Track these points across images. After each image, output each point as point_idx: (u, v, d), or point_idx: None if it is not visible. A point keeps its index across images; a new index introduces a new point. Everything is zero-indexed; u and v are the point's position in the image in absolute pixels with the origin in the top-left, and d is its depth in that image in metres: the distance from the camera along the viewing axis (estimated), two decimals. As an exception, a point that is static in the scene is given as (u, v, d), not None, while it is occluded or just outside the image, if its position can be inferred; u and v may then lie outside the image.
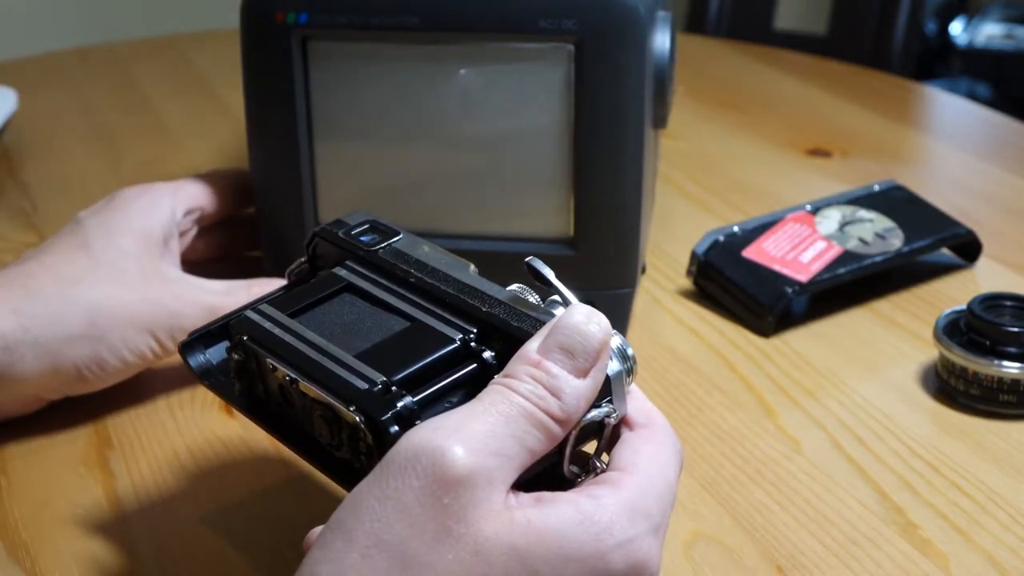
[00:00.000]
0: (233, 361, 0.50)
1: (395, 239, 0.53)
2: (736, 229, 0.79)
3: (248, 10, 0.67)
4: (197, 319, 0.61)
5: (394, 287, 0.50)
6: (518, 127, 0.67)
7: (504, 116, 0.67)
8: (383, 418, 0.43)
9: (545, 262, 0.68)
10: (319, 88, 0.67)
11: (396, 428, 0.43)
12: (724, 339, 0.74)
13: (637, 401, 0.46)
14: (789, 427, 0.65)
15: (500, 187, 0.68)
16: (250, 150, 0.70)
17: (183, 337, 0.54)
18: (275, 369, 0.48)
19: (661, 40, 0.69)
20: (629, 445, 0.44)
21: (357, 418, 0.43)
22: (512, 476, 0.41)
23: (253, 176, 0.71)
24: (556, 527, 0.40)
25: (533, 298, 0.47)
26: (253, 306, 0.51)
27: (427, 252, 0.52)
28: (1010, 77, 2.17)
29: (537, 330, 0.44)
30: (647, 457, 0.44)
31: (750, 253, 0.77)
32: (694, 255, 0.78)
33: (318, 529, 0.42)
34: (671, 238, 0.86)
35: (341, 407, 0.44)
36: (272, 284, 0.64)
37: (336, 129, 0.68)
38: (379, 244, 0.52)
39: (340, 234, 0.53)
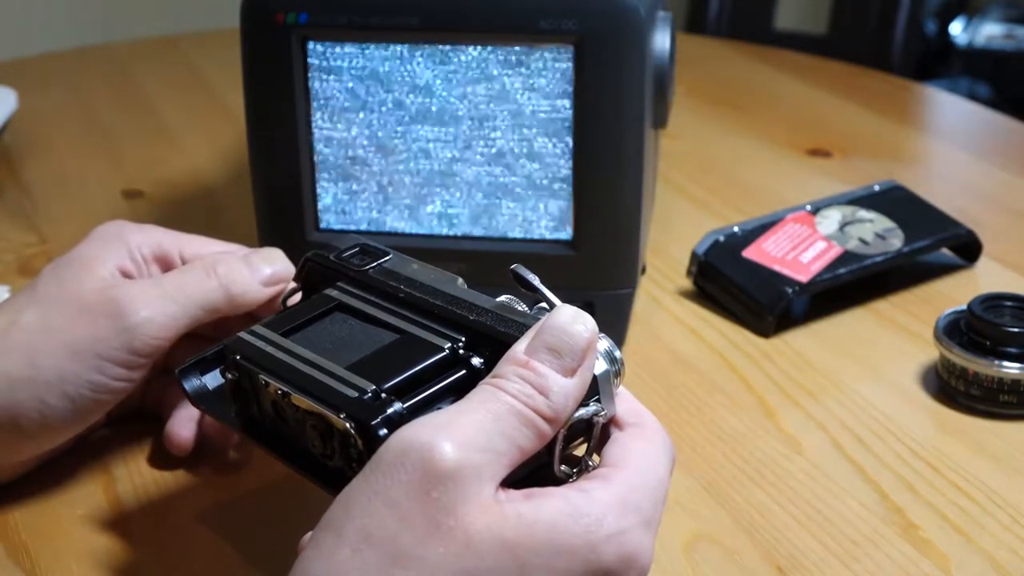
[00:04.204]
0: (228, 381, 0.51)
1: (385, 259, 0.54)
2: (736, 229, 0.79)
3: (248, 10, 0.67)
4: (153, 314, 0.55)
5: (384, 303, 0.51)
6: (518, 127, 0.67)
7: (504, 116, 0.67)
8: (373, 423, 0.43)
9: (546, 262, 0.68)
10: (319, 88, 0.67)
11: (385, 432, 0.43)
12: (724, 339, 0.74)
13: (627, 402, 0.47)
14: (789, 427, 0.65)
15: (500, 187, 0.68)
16: (250, 150, 0.70)
17: (146, 347, 0.55)
18: (268, 385, 0.48)
19: (661, 40, 0.69)
20: (619, 443, 0.45)
21: (347, 425, 0.44)
22: (502, 472, 0.41)
23: (253, 176, 0.71)
24: (546, 519, 0.40)
25: (522, 307, 0.48)
26: (247, 329, 0.52)
27: (416, 269, 0.53)
28: (1010, 77, 2.17)
29: (520, 332, 0.45)
30: (638, 453, 0.44)
31: (750, 253, 0.77)
32: (694, 255, 0.78)
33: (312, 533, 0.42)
34: (671, 238, 0.86)
35: (332, 415, 0.45)
36: (274, 255, 0.61)
37: (336, 129, 0.68)
38: (369, 264, 0.53)
39: (331, 257, 0.55)
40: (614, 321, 0.70)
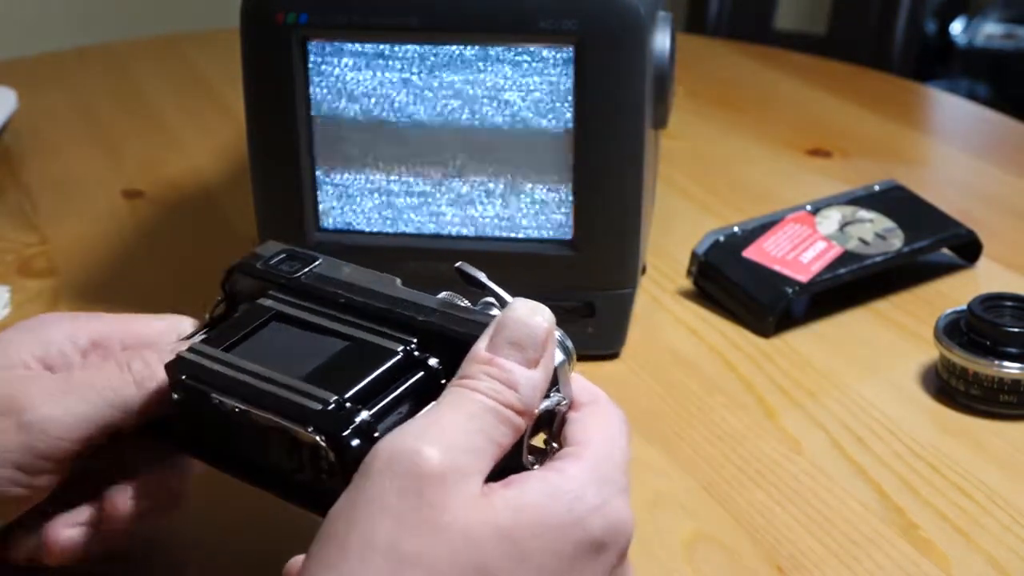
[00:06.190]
0: (175, 402, 0.49)
1: (315, 264, 0.52)
2: (736, 229, 0.79)
3: (248, 10, 0.67)
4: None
5: (324, 309, 0.50)
6: (518, 127, 0.67)
7: (504, 116, 0.67)
8: (344, 434, 0.43)
9: (546, 262, 0.68)
10: (319, 88, 0.67)
11: (358, 441, 0.43)
12: (724, 339, 0.74)
13: (578, 382, 0.47)
14: (790, 428, 0.65)
15: (500, 187, 0.68)
16: (250, 150, 0.70)
17: (51, 449, 0.47)
18: (221, 404, 0.47)
19: (661, 40, 0.69)
20: (578, 423, 0.46)
21: (317, 438, 0.43)
22: (485, 468, 0.42)
23: (253, 176, 0.71)
24: (532, 501, 0.41)
25: (464, 303, 0.48)
26: (187, 346, 0.50)
27: (349, 273, 0.51)
28: (1010, 77, 2.17)
29: (476, 330, 0.45)
30: (597, 429, 0.45)
31: (750, 253, 0.77)
32: (694, 255, 0.78)
33: (299, 558, 0.42)
34: (671, 238, 0.86)
35: (299, 430, 0.44)
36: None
37: (336, 129, 0.68)
38: (300, 271, 0.52)
39: (258, 266, 0.53)
40: (614, 321, 0.70)
